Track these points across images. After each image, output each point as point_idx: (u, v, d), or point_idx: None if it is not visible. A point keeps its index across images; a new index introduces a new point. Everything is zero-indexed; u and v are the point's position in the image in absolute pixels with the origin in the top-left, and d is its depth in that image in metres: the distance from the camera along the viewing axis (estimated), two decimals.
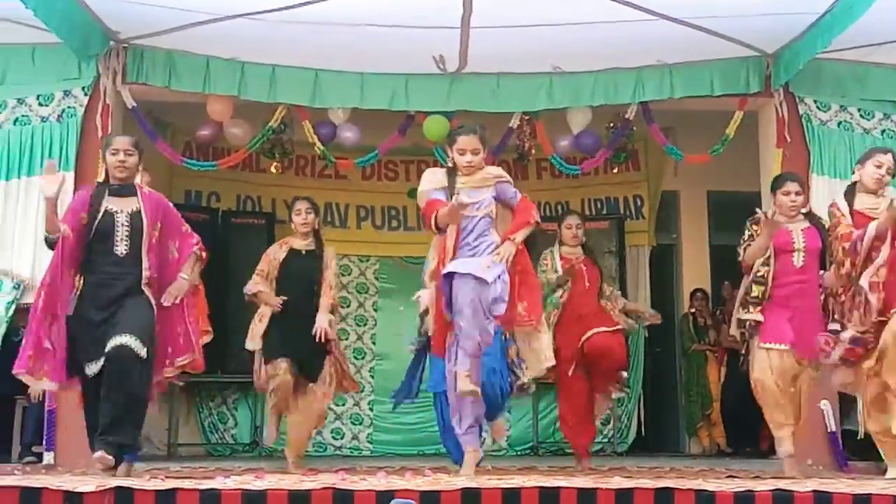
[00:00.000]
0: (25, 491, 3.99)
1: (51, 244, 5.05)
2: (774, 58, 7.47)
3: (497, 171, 5.55)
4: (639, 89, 7.58)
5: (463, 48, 7.18)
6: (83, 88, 7.31)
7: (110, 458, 4.89)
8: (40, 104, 7.28)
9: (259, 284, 6.57)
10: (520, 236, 5.37)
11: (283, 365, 6.37)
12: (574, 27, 6.82)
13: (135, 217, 5.18)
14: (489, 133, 7.77)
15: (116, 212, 5.16)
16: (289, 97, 7.59)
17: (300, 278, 6.55)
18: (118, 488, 4.04)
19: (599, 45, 7.16)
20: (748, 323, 5.82)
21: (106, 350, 4.93)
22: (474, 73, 7.58)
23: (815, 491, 4.28)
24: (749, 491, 4.23)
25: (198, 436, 9.39)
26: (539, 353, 5.69)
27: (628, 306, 7.50)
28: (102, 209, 5.14)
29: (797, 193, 5.92)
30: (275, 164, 8.68)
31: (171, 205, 5.47)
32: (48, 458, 6.85)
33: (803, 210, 5.94)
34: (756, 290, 5.81)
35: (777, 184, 6.06)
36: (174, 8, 6.66)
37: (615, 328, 6.85)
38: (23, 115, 7.26)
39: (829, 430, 6.83)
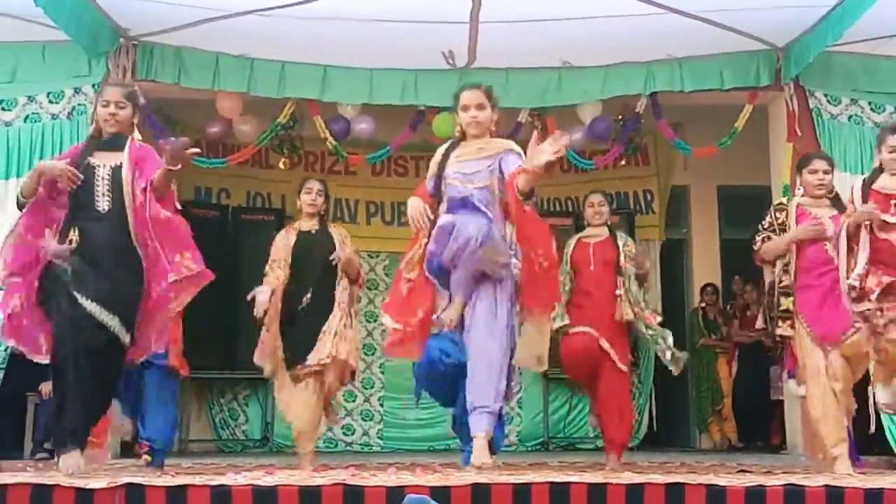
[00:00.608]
0: (37, 488, 4.00)
1: (21, 207, 4.79)
2: (785, 51, 7.45)
3: (505, 142, 5.07)
4: (649, 83, 7.58)
5: (472, 43, 7.18)
6: (93, 86, 7.31)
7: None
8: (50, 101, 7.30)
9: (270, 286, 6.16)
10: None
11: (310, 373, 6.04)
12: (583, 21, 6.82)
13: (116, 172, 4.82)
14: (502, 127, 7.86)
15: (98, 166, 4.82)
16: (298, 93, 7.61)
17: (315, 257, 6.09)
18: (129, 485, 4.05)
19: (609, 40, 7.15)
20: (780, 337, 5.61)
21: (87, 339, 4.61)
22: (483, 68, 7.57)
23: (826, 485, 4.26)
24: (760, 486, 4.21)
25: (209, 432, 9.41)
26: (535, 346, 5.11)
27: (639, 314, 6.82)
28: (85, 164, 4.80)
29: (825, 172, 5.65)
30: (283, 159, 8.68)
31: (156, 157, 4.89)
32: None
33: (829, 196, 5.68)
34: (786, 304, 5.58)
35: (804, 162, 5.79)
36: (183, 5, 6.68)
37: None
38: (33, 113, 7.27)
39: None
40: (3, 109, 7.28)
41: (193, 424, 9.33)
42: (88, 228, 4.74)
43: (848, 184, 7.21)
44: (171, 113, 8.46)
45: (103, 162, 4.84)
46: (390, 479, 4.39)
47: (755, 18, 6.92)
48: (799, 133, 7.52)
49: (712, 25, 6.97)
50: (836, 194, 5.75)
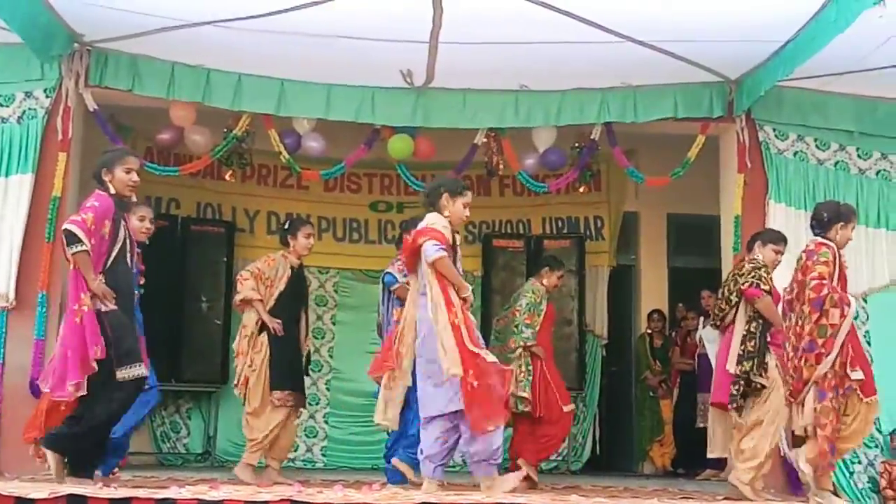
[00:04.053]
0: None
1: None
2: (737, 84, 7.55)
3: None
4: (604, 110, 7.62)
5: (431, 63, 7.17)
6: (45, 90, 7.24)
7: None
8: (1, 105, 7.19)
9: (255, 291, 6.71)
10: None
11: (291, 399, 6.76)
12: (542, 46, 6.86)
13: (128, 231, 5.59)
14: (455, 148, 7.94)
15: (124, 225, 5.53)
16: (254, 106, 7.55)
17: (298, 296, 6.95)
18: (71, 496, 4.00)
19: (566, 65, 7.21)
20: None
21: (135, 375, 5.34)
22: (441, 88, 7.58)
23: None
24: None
25: (149, 444, 9.25)
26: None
27: None
28: (121, 221, 5.49)
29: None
30: (230, 172, 8.65)
31: None
32: None
33: None
34: None
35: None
36: (140, 13, 6.60)
37: None
38: None
39: (782, 454, 6.88)
40: None
41: (133, 437, 9.15)
42: (125, 279, 5.48)
43: (792, 218, 7.41)
44: (122, 120, 8.36)
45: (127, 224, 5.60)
46: (337, 496, 4.38)
47: (710, 50, 7.01)
48: (749, 165, 7.64)
49: (667, 56, 7.05)
50: None
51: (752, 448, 5.99)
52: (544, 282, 7.48)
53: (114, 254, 5.40)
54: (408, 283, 6.32)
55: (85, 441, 5.27)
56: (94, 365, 5.14)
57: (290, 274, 6.84)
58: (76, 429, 5.26)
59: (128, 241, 5.52)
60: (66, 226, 5.34)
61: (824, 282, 5.70)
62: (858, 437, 5.99)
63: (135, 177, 5.53)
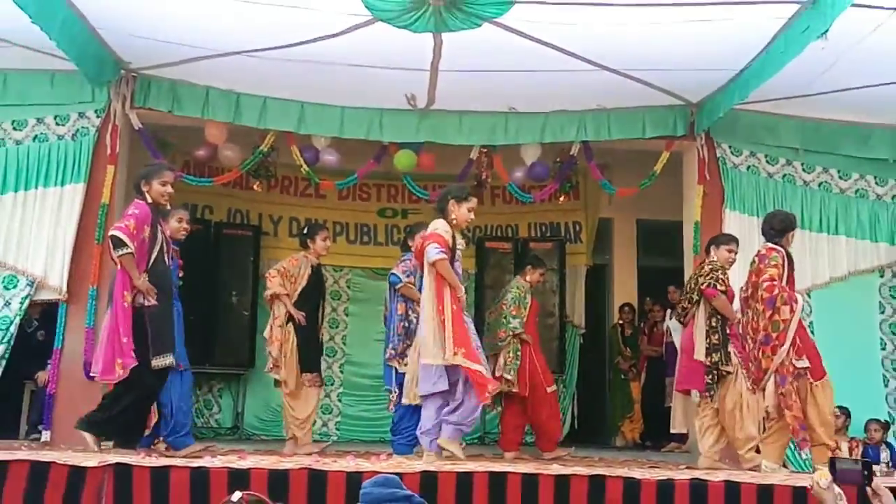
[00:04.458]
0: (35, 464, 3.93)
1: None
2: (698, 107, 7.56)
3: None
4: (581, 129, 7.62)
5: (431, 88, 7.18)
6: (96, 111, 7.26)
7: None
8: (57, 124, 7.21)
9: (282, 287, 6.73)
10: None
11: (318, 379, 6.89)
12: (527, 74, 6.86)
13: (164, 234, 5.62)
14: (453, 162, 7.94)
15: (161, 229, 5.54)
16: (277, 125, 7.54)
17: (318, 292, 7.01)
18: (118, 464, 3.99)
19: (550, 90, 7.20)
20: None
21: (167, 364, 5.38)
22: (441, 109, 7.58)
23: (726, 481, 4.33)
24: (670, 479, 4.27)
25: None
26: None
27: None
28: (158, 226, 5.49)
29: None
30: (257, 183, 8.63)
31: None
32: (45, 435, 6.75)
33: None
34: None
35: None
36: (179, 43, 6.62)
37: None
38: (41, 133, 7.18)
39: None
40: (15, 129, 7.18)
41: None
42: (166, 278, 5.51)
43: (745, 224, 7.42)
44: (164, 137, 8.36)
45: (163, 228, 5.62)
46: (349, 464, 4.38)
47: (674, 77, 7.01)
48: (708, 177, 7.66)
49: (637, 82, 7.04)
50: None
51: (750, 430, 6.01)
52: (527, 278, 7.48)
53: (154, 254, 5.41)
54: (410, 283, 6.41)
55: (117, 422, 5.27)
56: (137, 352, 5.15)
57: (311, 272, 6.87)
58: (108, 413, 5.29)
59: (164, 243, 5.52)
60: (111, 232, 5.35)
61: (775, 283, 5.69)
62: (825, 418, 5.67)
63: (169, 188, 5.53)
